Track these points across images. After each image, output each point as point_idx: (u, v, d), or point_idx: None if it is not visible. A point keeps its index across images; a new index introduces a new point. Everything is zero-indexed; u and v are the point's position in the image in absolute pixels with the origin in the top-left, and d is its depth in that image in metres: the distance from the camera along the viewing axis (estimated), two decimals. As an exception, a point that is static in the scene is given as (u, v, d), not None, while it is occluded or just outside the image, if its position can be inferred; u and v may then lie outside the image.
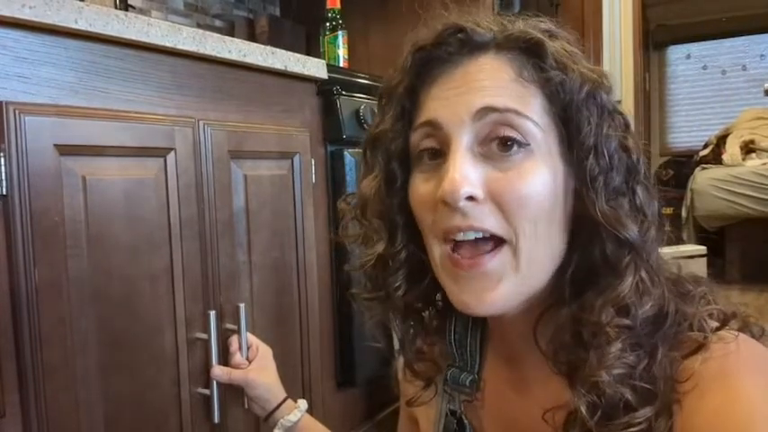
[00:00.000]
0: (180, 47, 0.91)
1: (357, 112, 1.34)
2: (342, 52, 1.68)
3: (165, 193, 0.88)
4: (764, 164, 3.19)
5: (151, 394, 0.86)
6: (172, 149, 0.89)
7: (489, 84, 0.48)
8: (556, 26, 0.51)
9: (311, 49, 1.99)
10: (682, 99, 4.44)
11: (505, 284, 0.47)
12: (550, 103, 0.48)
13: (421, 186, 0.51)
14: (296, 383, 1.14)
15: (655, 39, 4.43)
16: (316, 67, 1.24)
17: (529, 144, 0.47)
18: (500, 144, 0.47)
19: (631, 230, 0.46)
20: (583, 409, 0.45)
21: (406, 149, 0.53)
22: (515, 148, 0.47)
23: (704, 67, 4.33)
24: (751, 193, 3.09)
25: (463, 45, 0.50)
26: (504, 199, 0.46)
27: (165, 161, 0.89)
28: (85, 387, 0.77)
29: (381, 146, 0.54)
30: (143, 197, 0.85)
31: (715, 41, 4.30)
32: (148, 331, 0.85)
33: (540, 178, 0.47)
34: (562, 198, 0.48)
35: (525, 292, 0.49)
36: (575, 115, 0.47)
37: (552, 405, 0.49)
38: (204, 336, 0.92)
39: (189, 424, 0.91)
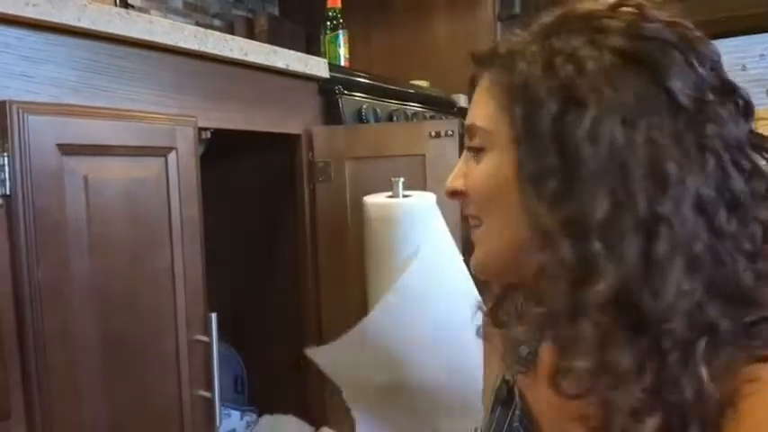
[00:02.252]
0: (182, 45, 0.91)
1: (359, 111, 1.34)
2: (343, 51, 1.67)
3: (167, 192, 0.88)
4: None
5: (153, 396, 0.85)
6: (173, 149, 0.89)
7: (475, 102, 0.55)
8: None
9: (310, 49, 1.98)
10: (680, 100, 4.43)
11: (481, 251, 0.56)
12: (508, 101, 0.50)
13: None
14: None
15: (653, 39, 4.42)
16: (318, 66, 1.23)
17: (484, 148, 0.53)
18: (469, 148, 0.56)
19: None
20: None
21: None
22: (477, 151, 0.54)
23: (702, 68, 4.32)
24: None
25: (478, 64, 0.55)
26: (470, 190, 0.55)
27: (167, 160, 0.88)
28: (89, 388, 0.76)
29: None
30: (145, 197, 0.84)
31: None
32: (150, 333, 0.85)
33: (492, 173, 0.52)
34: (515, 185, 0.50)
35: (498, 262, 0.54)
36: (525, 110, 0.49)
37: None
38: (205, 338, 0.92)
39: (191, 426, 0.90)
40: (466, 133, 0.56)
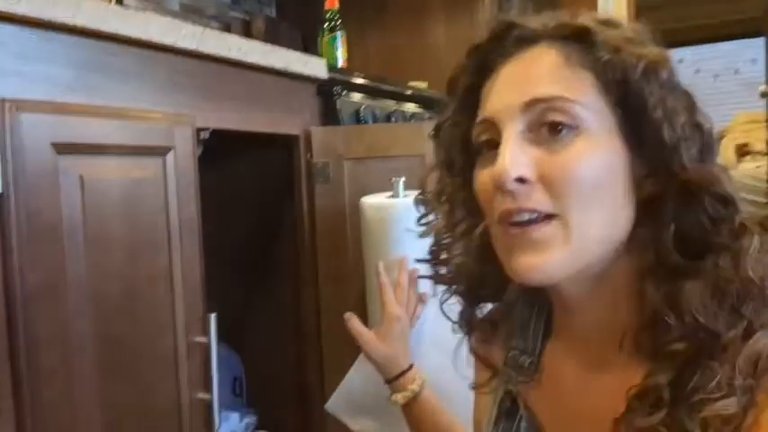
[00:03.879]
0: (179, 44, 0.90)
1: (357, 113, 1.33)
2: (341, 53, 1.67)
3: (165, 193, 0.86)
4: (758, 167, 3.19)
5: (150, 399, 0.84)
6: (171, 149, 0.87)
7: (537, 74, 0.50)
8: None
9: (307, 51, 1.97)
10: (676, 103, 4.44)
11: (554, 254, 0.48)
12: (604, 84, 0.49)
13: (481, 176, 0.53)
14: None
15: (648, 43, 4.44)
16: (317, 67, 1.22)
17: (578, 126, 0.48)
18: (549, 129, 0.49)
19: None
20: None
21: (467, 139, 0.56)
22: (564, 131, 0.48)
23: (697, 71, 4.33)
24: (745, 196, 3.07)
25: (516, 40, 0.52)
26: (553, 178, 0.48)
27: (165, 161, 0.87)
28: (83, 391, 0.75)
29: (444, 134, 0.60)
30: (142, 197, 0.83)
31: (707, 46, 4.31)
32: (148, 334, 0.83)
33: (591, 158, 0.48)
34: (620, 175, 0.49)
35: (576, 263, 0.49)
36: (633, 93, 0.48)
37: (613, 391, 0.49)
38: (204, 339, 0.90)
39: (189, 429, 0.89)
40: (525, 108, 0.49)
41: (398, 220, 1.06)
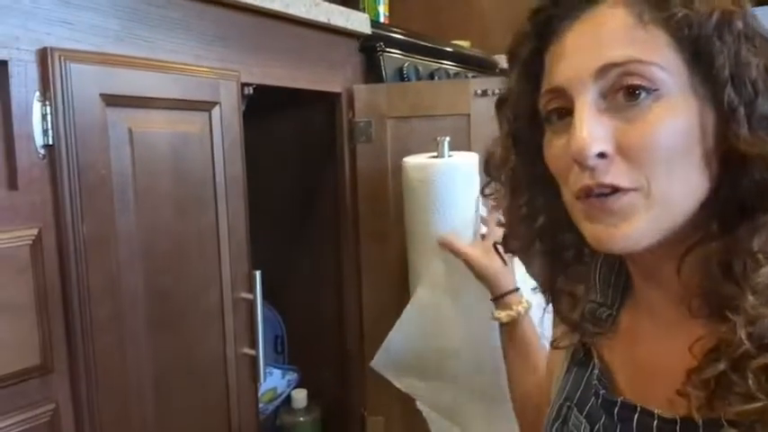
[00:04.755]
0: (224, -5, 0.88)
1: (401, 70, 1.30)
2: (382, 9, 1.62)
3: (211, 148, 0.85)
4: None
5: (198, 353, 0.85)
6: (217, 103, 0.86)
7: (608, 36, 0.47)
8: None
9: (347, 7, 1.93)
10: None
11: (637, 220, 0.47)
12: (678, 42, 0.46)
13: (552, 145, 0.51)
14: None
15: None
16: (359, 22, 1.19)
17: (657, 89, 0.45)
18: (626, 94, 0.46)
19: None
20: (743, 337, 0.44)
21: (533, 108, 0.53)
22: (643, 95, 0.46)
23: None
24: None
25: (581, 0, 0.49)
26: (633, 150, 0.46)
27: (210, 115, 0.86)
28: (134, 343, 0.75)
29: (508, 106, 0.57)
30: (189, 152, 0.82)
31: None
32: (195, 289, 0.84)
33: (671, 123, 0.45)
34: (699, 137, 0.46)
35: (659, 230, 0.47)
36: (704, 49, 0.45)
37: (685, 348, 0.48)
38: (249, 296, 0.90)
39: (234, 383, 0.90)
40: (598, 76, 0.46)
41: (441, 180, 1.04)
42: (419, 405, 1.15)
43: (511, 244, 0.63)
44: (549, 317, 0.68)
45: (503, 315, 0.90)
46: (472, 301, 1.02)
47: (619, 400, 0.53)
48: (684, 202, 0.47)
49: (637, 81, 0.45)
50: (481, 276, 0.95)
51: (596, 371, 0.57)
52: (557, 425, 0.60)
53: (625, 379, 0.56)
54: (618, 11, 0.47)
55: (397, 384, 1.12)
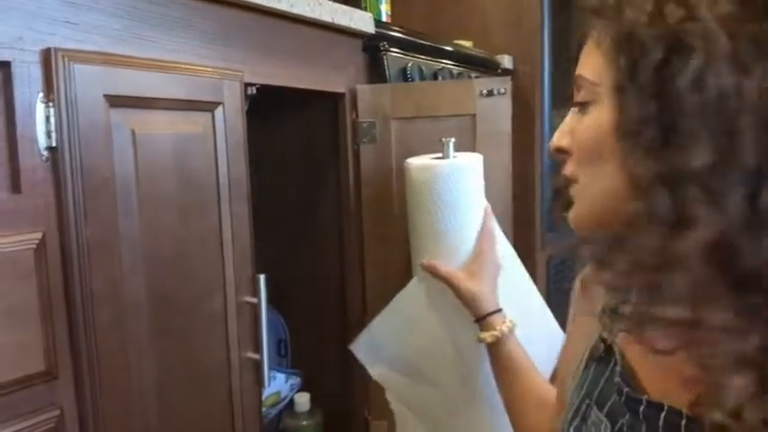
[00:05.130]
0: (227, -6, 0.86)
1: (404, 70, 1.28)
2: (385, 8, 1.61)
3: (214, 149, 0.84)
4: None
5: (201, 357, 0.84)
6: (220, 104, 0.85)
7: (583, 54, 0.54)
8: None
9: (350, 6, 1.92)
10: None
11: (578, 206, 0.56)
12: (625, 59, 0.48)
13: None
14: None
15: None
16: (362, 21, 1.18)
17: (588, 102, 0.52)
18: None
19: None
20: None
21: None
22: (581, 106, 0.54)
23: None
24: None
25: (588, 15, 0.53)
26: (572, 146, 0.55)
27: (214, 116, 0.84)
28: (137, 348, 0.74)
29: None
30: (192, 153, 0.81)
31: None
32: (198, 293, 0.83)
33: (596, 126, 0.51)
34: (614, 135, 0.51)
35: (595, 217, 0.54)
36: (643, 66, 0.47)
37: None
38: (254, 300, 0.89)
39: (238, 388, 0.89)
40: (575, 87, 0.55)
41: (445, 181, 1.03)
42: (388, 396, 1.14)
43: None
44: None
45: (487, 336, 0.91)
46: (459, 306, 1.02)
47: (644, 398, 0.53)
48: (608, 194, 0.51)
49: (577, 97, 0.54)
50: (463, 299, 0.95)
51: (618, 368, 0.57)
52: (575, 422, 0.60)
53: (646, 376, 0.55)
54: (597, 27, 0.52)
55: (370, 371, 1.12)
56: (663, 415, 0.51)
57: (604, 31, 0.50)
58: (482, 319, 0.93)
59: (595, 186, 0.53)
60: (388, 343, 1.09)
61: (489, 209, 1.03)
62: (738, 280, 0.41)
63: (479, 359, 1.01)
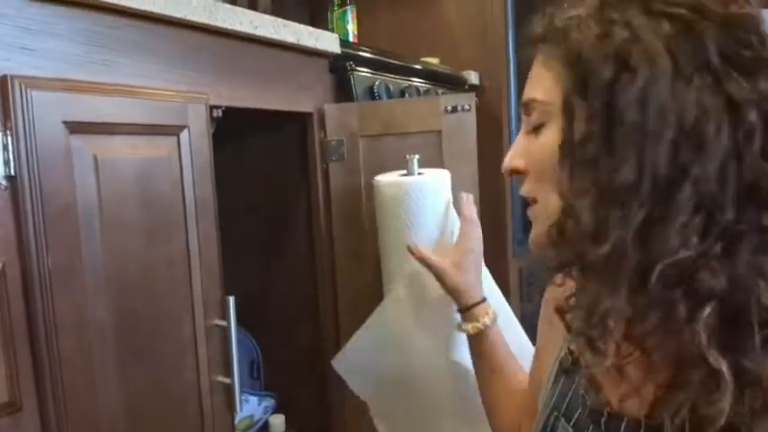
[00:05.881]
0: (190, 18, 0.86)
1: (371, 88, 1.30)
2: (351, 28, 1.63)
3: (180, 173, 0.84)
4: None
5: (170, 382, 0.83)
6: (185, 127, 0.85)
7: (531, 77, 0.56)
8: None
9: (316, 27, 1.94)
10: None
11: (535, 227, 0.57)
12: (577, 80, 0.49)
13: None
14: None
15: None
16: (329, 42, 1.19)
17: (543, 123, 0.54)
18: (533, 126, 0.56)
19: None
20: None
21: None
22: (534, 128, 0.55)
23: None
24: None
25: (534, 41, 0.56)
26: (528, 167, 0.56)
27: (179, 139, 0.84)
28: (104, 376, 0.73)
29: None
30: (156, 177, 0.81)
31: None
32: (166, 317, 0.82)
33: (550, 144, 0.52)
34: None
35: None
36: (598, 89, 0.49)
37: None
38: (223, 323, 0.88)
39: (210, 413, 0.88)
40: (522, 110, 0.56)
41: (413, 197, 1.04)
42: (372, 413, 1.14)
43: None
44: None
45: (469, 327, 0.91)
46: (438, 320, 1.02)
47: (606, 410, 0.53)
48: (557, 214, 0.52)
49: (528, 119, 0.56)
50: (449, 289, 0.95)
51: (584, 380, 0.58)
52: None
53: (610, 388, 0.56)
54: (539, 53, 0.55)
55: (352, 387, 1.12)
56: (623, 426, 0.52)
57: (552, 53, 0.52)
58: (466, 310, 0.93)
59: (550, 205, 0.53)
60: (367, 359, 1.09)
61: (471, 198, 1.03)
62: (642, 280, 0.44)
63: (458, 373, 1.01)
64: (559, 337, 0.66)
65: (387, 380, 1.10)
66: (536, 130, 0.55)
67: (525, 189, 0.57)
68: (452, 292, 0.95)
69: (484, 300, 0.93)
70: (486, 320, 0.90)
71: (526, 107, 0.55)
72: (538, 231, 0.57)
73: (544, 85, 0.53)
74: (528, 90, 0.55)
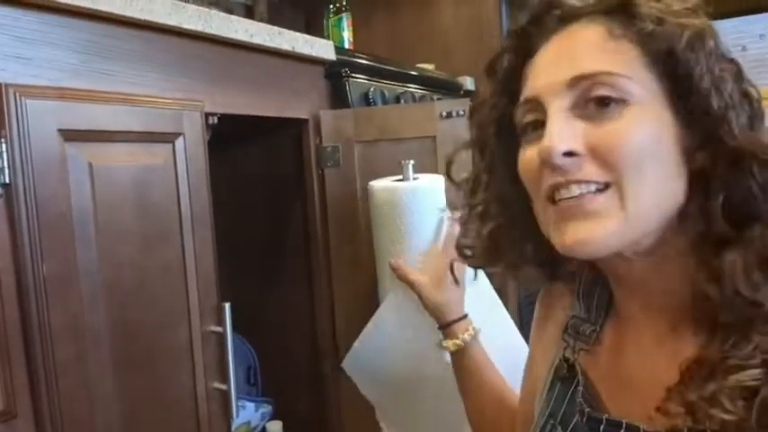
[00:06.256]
0: (185, 26, 0.87)
1: (366, 95, 1.30)
2: (347, 35, 1.64)
3: (175, 180, 0.84)
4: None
5: (167, 389, 0.83)
6: (180, 134, 0.85)
7: (580, 50, 0.50)
8: None
9: (311, 35, 1.95)
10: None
11: (609, 223, 0.48)
12: (650, 56, 0.48)
13: (525, 155, 0.53)
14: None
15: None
16: (324, 49, 1.19)
17: (626, 99, 0.48)
18: (597, 103, 0.48)
19: None
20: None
21: (502, 121, 0.57)
22: (612, 105, 0.48)
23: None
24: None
25: (557, 19, 0.52)
26: (603, 148, 0.48)
27: (174, 147, 0.85)
28: (99, 383, 0.73)
29: (479, 116, 0.60)
30: (152, 185, 0.81)
31: (714, 22, 4.23)
32: (162, 324, 0.82)
33: (639, 128, 0.47)
34: (669, 145, 0.49)
35: (630, 236, 0.49)
36: (680, 64, 0.48)
37: (670, 363, 0.49)
38: (219, 329, 0.89)
39: (206, 420, 0.88)
40: (567, 85, 0.49)
41: (407, 203, 1.04)
42: (378, 417, 1.14)
43: (463, 243, 0.65)
44: None
45: (450, 344, 0.90)
46: (428, 328, 1.02)
47: (604, 417, 0.53)
48: (656, 207, 0.48)
49: (606, 92, 0.48)
50: (428, 306, 0.95)
51: (580, 387, 0.57)
52: None
53: (608, 394, 0.56)
54: (590, 27, 0.50)
55: (361, 389, 1.12)
56: None
57: (634, 30, 0.48)
58: (446, 327, 0.92)
59: (648, 193, 0.48)
60: (373, 360, 1.09)
61: (448, 215, 1.02)
62: None
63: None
64: (552, 342, 0.66)
65: (390, 382, 1.09)
66: (601, 107, 0.48)
67: (594, 173, 0.48)
68: (431, 309, 0.94)
69: (465, 316, 0.93)
70: (466, 337, 0.89)
71: (594, 80, 0.48)
72: (610, 226, 0.47)
73: (623, 61, 0.48)
74: (588, 62, 0.49)
